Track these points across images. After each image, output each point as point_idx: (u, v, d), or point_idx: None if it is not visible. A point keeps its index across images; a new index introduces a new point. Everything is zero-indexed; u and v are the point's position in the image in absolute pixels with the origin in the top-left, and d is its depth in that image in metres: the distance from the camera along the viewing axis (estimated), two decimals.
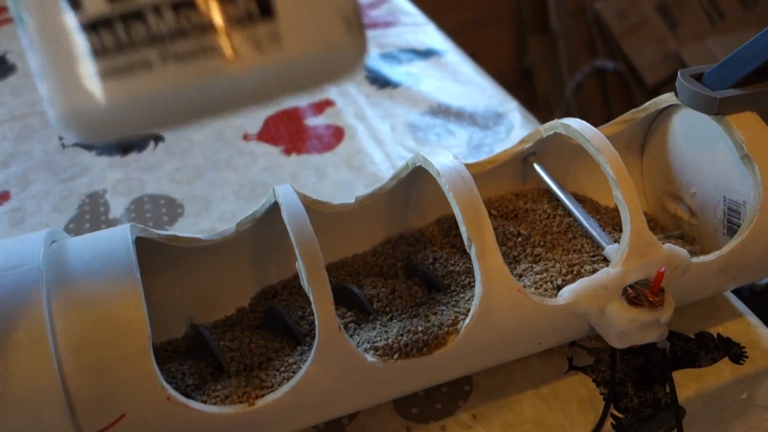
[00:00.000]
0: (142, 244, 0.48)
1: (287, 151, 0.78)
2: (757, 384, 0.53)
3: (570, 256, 0.50)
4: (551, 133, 0.52)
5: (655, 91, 2.00)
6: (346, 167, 0.75)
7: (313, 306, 0.40)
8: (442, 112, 0.83)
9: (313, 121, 0.83)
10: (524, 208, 0.55)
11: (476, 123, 0.80)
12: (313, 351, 0.40)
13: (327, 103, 0.85)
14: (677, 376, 0.51)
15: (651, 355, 0.52)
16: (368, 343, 0.45)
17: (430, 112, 0.83)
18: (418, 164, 0.49)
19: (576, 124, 0.49)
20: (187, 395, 0.44)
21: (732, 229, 0.52)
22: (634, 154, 0.60)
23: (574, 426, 0.49)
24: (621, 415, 0.49)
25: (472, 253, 0.43)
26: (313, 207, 0.52)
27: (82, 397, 0.37)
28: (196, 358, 0.50)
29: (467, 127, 0.80)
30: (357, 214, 0.54)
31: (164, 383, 0.38)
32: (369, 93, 0.87)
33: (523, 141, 0.55)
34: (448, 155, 0.47)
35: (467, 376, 0.51)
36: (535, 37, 2.07)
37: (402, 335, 0.44)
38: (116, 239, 0.42)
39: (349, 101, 0.85)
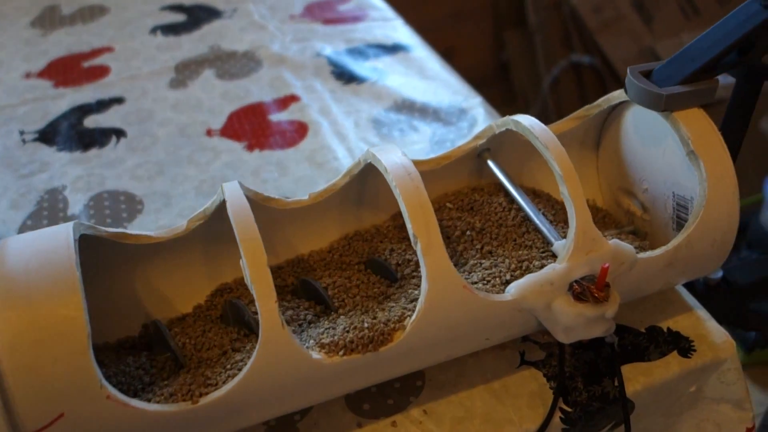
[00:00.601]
0: (92, 243, 0.47)
1: (250, 147, 0.78)
2: (706, 377, 0.54)
3: (520, 251, 0.50)
4: (503, 129, 0.53)
5: None
6: (308, 163, 0.75)
7: (256, 303, 0.40)
8: (407, 107, 0.83)
9: (277, 117, 0.82)
10: (480, 200, 0.56)
11: (440, 119, 0.80)
12: (256, 349, 0.40)
13: (292, 99, 0.85)
14: (626, 370, 0.52)
15: (601, 349, 0.53)
16: (315, 339, 0.45)
17: (394, 108, 0.83)
18: (369, 161, 0.49)
19: (525, 121, 0.49)
20: (139, 391, 0.44)
21: (681, 225, 0.52)
22: (590, 150, 0.61)
23: (524, 420, 0.49)
24: (569, 409, 0.50)
25: (418, 249, 0.43)
26: (265, 204, 0.52)
27: (20, 397, 0.37)
28: (155, 353, 0.49)
29: (431, 123, 0.80)
30: (311, 210, 0.54)
31: (104, 382, 0.38)
32: (334, 88, 0.86)
33: (476, 137, 0.55)
34: (397, 152, 0.47)
35: (420, 371, 0.52)
36: (512, 32, 2.07)
37: (348, 331, 0.44)
38: (58, 237, 0.42)
39: (314, 97, 0.85)
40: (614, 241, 0.46)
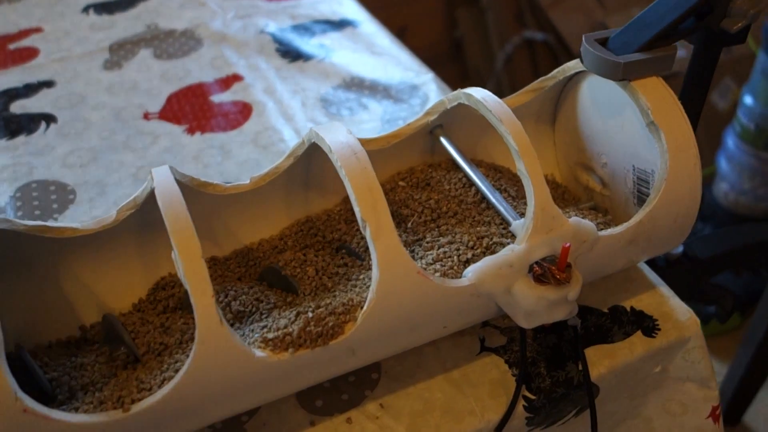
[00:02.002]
0: (11, 238, 0.43)
1: (190, 130, 0.73)
2: (671, 357, 0.52)
3: (479, 228, 0.47)
4: (455, 104, 0.50)
5: None
6: (253, 145, 0.71)
7: (191, 300, 0.37)
8: (356, 85, 0.79)
9: (219, 98, 0.78)
10: (437, 177, 0.53)
11: (390, 96, 0.77)
12: (192, 349, 0.37)
13: (234, 78, 0.81)
14: (590, 353, 0.50)
15: (564, 332, 0.50)
16: (260, 334, 0.41)
17: (343, 86, 0.79)
18: (313, 140, 0.46)
19: (478, 94, 0.46)
20: (75, 393, 0.40)
21: (642, 199, 0.50)
22: (546, 124, 0.58)
23: (486, 410, 0.47)
24: (533, 397, 0.47)
25: (367, 234, 0.40)
26: (202, 190, 0.48)
27: None
28: (110, 349, 0.46)
29: (381, 101, 0.76)
30: (253, 195, 0.50)
31: (19, 394, 0.34)
32: (279, 66, 0.82)
33: (427, 113, 0.52)
34: (342, 130, 0.44)
35: (375, 363, 0.49)
36: (464, 9, 2.05)
37: (294, 323, 0.41)
38: None
39: (258, 75, 0.81)
40: (575, 219, 0.44)
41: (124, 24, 0.91)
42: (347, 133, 0.43)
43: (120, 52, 0.85)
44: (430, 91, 0.77)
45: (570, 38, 1.99)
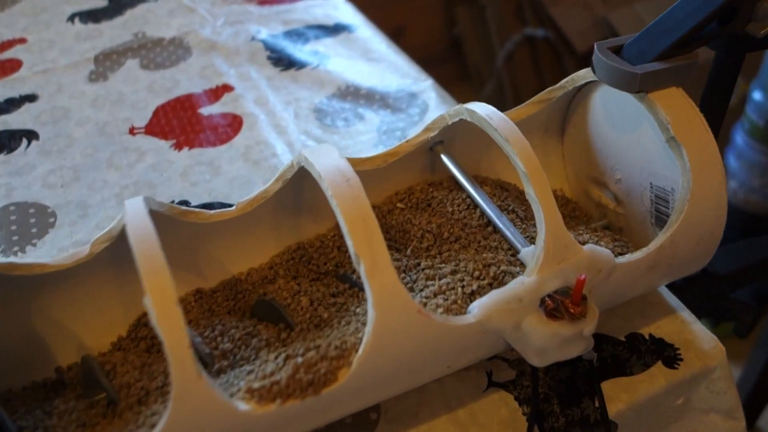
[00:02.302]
0: None
1: (178, 145, 0.70)
2: (694, 388, 0.48)
3: (485, 254, 0.44)
4: (457, 119, 0.46)
5: (586, 58, 1.96)
6: (243, 161, 0.67)
7: (164, 350, 0.33)
8: (351, 94, 0.75)
9: (209, 110, 0.74)
10: (438, 198, 0.49)
11: (388, 105, 0.73)
12: (168, 406, 0.33)
13: (224, 89, 0.77)
14: (607, 387, 0.46)
15: (578, 364, 0.47)
16: (245, 381, 0.38)
17: (338, 95, 0.75)
18: (302, 164, 0.42)
19: (481, 110, 0.42)
20: None
21: (660, 219, 0.46)
22: (554, 136, 0.54)
23: None
24: None
25: (361, 271, 0.36)
26: (183, 218, 0.44)
27: None
28: (87, 394, 0.42)
29: (378, 111, 0.73)
30: (240, 222, 0.46)
31: None
32: (271, 75, 0.78)
33: (427, 129, 0.48)
34: (333, 153, 0.40)
35: None
36: (463, 7, 2.00)
37: (282, 369, 0.37)
38: None
39: (249, 85, 0.77)
40: (589, 247, 0.40)
41: (111, 33, 0.87)
42: (338, 157, 0.39)
43: (106, 63, 0.82)
44: (429, 99, 0.73)
45: (571, 34, 1.95)
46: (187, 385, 0.33)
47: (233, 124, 0.72)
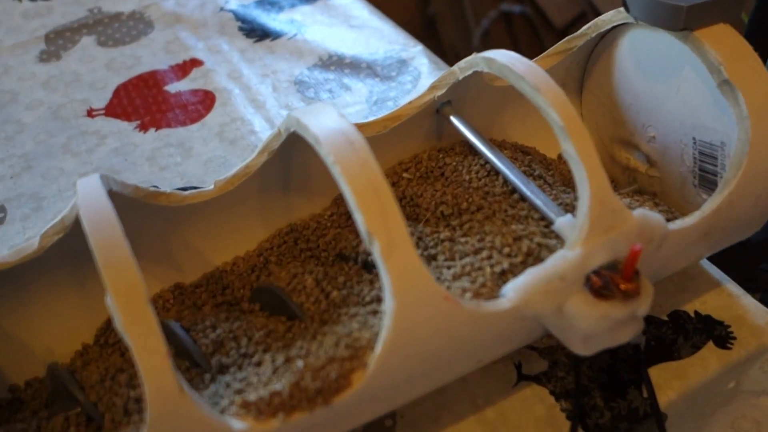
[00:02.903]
0: None
1: (143, 126, 0.62)
2: (747, 369, 0.43)
3: (514, 226, 0.37)
4: (469, 72, 0.39)
5: (565, 33, 1.91)
6: (218, 140, 0.60)
7: (134, 360, 0.26)
8: (335, 63, 0.68)
9: (176, 87, 0.66)
10: (452, 164, 0.42)
11: (376, 74, 0.66)
12: (145, 428, 0.26)
13: (193, 63, 0.69)
14: (655, 374, 0.40)
15: (619, 349, 0.41)
16: (239, 389, 0.31)
17: (320, 65, 0.68)
18: (292, 129, 0.35)
19: (502, 57, 0.36)
20: None
21: (706, 179, 0.41)
22: (572, 94, 0.48)
23: None
24: None
25: (375, 252, 0.29)
26: (152, 201, 0.37)
27: None
28: (55, 410, 0.35)
29: (366, 80, 0.66)
30: (221, 204, 0.40)
31: None
32: (244, 47, 0.71)
33: (433, 87, 0.42)
34: (331, 113, 0.33)
35: None
36: None
37: (283, 376, 0.30)
38: None
39: (221, 59, 0.69)
40: (641, 212, 0.34)
41: (62, 9, 0.79)
42: (338, 116, 0.33)
43: (58, 42, 0.73)
44: (421, 65, 0.67)
45: (549, 8, 1.90)
46: (167, 403, 0.26)
47: (205, 100, 0.65)
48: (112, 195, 0.33)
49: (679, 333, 0.42)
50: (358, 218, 0.29)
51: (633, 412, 0.38)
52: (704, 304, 0.43)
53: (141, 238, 0.38)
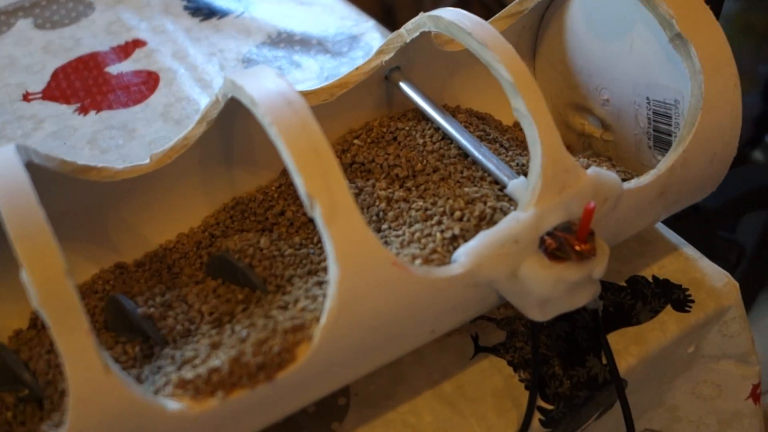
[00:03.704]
0: None
1: (83, 109, 0.59)
2: (706, 332, 0.42)
3: (467, 189, 0.35)
4: (417, 34, 0.38)
5: None
6: (162, 121, 0.57)
7: (54, 340, 0.24)
8: (284, 40, 0.66)
9: (118, 68, 0.64)
10: (404, 129, 0.40)
11: (327, 50, 0.64)
12: (68, 413, 0.24)
13: (135, 44, 0.66)
14: (613, 340, 0.39)
15: (576, 316, 0.40)
16: (175, 369, 0.29)
17: (269, 43, 0.66)
18: (230, 95, 0.33)
19: (449, 14, 0.34)
20: None
21: (661, 140, 0.40)
22: (525, 59, 0.46)
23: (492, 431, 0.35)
24: (550, 407, 0.37)
25: (317, 217, 0.27)
26: (83, 176, 0.35)
27: None
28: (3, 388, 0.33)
29: (317, 56, 0.64)
30: (159, 179, 0.37)
31: None
32: (190, 27, 0.68)
33: (380, 52, 0.40)
34: (269, 74, 0.31)
35: None
36: None
37: (223, 351, 0.28)
38: None
39: (165, 39, 0.67)
40: (594, 171, 0.33)
41: None
42: (277, 77, 0.31)
43: None
44: (373, 40, 0.65)
45: None
46: (90, 384, 0.24)
47: (148, 81, 0.62)
48: (35, 168, 0.31)
49: (638, 298, 0.41)
50: (298, 181, 0.28)
51: (592, 380, 0.37)
52: (662, 269, 0.42)
53: (73, 217, 0.36)
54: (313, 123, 0.28)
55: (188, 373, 0.28)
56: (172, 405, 0.26)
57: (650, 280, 0.42)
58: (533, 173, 0.32)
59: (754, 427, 0.46)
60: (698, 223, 0.55)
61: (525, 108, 0.31)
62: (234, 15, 0.70)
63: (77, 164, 0.34)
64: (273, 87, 0.30)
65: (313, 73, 0.62)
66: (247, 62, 0.64)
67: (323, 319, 0.28)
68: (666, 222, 0.46)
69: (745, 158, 1.10)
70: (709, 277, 0.42)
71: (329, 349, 0.29)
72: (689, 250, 0.43)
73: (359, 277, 0.28)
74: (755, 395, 0.45)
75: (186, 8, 0.71)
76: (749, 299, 0.89)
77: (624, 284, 0.42)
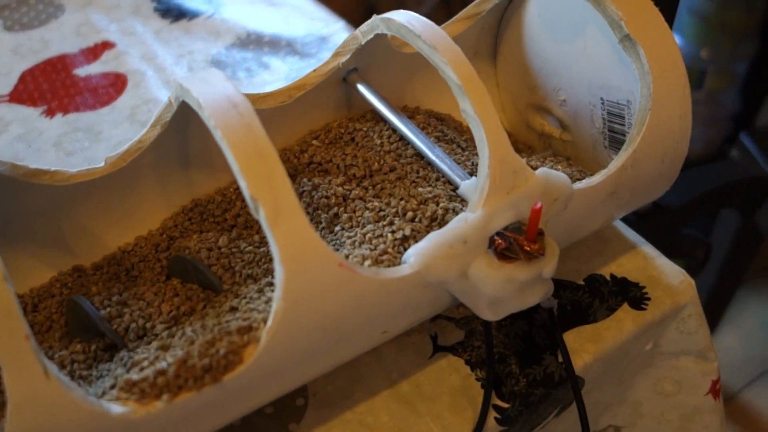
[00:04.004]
0: None
1: (50, 112, 0.59)
2: (663, 329, 0.43)
3: (420, 189, 0.36)
4: (371, 36, 0.38)
5: None
6: (129, 123, 0.57)
7: None
8: (253, 42, 0.66)
9: (86, 70, 0.63)
10: (362, 130, 0.41)
11: (296, 51, 0.65)
12: (6, 419, 0.24)
13: (104, 46, 0.66)
14: (570, 338, 0.39)
15: (534, 316, 0.40)
16: (123, 371, 0.29)
17: (238, 44, 0.66)
18: (182, 98, 0.33)
19: (400, 17, 0.35)
20: None
21: (616, 140, 0.40)
22: (486, 60, 0.47)
23: (448, 430, 0.36)
24: (506, 405, 0.37)
25: (261, 218, 0.28)
26: (34, 180, 0.35)
27: None
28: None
29: (285, 58, 0.64)
30: (114, 182, 0.37)
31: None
32: (159, 29, 0.68)
33: (337, 53, 0.40)
34: (218, 78, 0.31)
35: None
36: None
37: (169, 354, 0.28)
38: None
39: (134, 41, 0.67)
40: (543, 171, 0.33)
41: None
42: (223, 80, 0.31)
43: None
44: (342, 41, 0.65)
45: None
46: (29, 389, 0.24)
47: (116, 83, 0.62)
48: None
49: (595, 296, 0.41)
50: (242, 184, 0.28)
51: (548, 378, 0.38)
52: (620, 267, 0.43)
53: (27, 221, 0.36)
54: (258, 126, 0.29)
55: (134, 375, 0.28)
56: (116, 408, 0.26)
57: (608, 278, 0.42)
58: (481, 174, 0.32)
59: (714, 422, 0.47)
60: (662, 221, 0.56)
61: (472, 110, 0.31)
62: (204, 16, 0.70)
63: (29, 168, 0.34)
64: (219, 90, 0.30)
65: (282, 74, 0.62)
66: (216, 63, 0.64)
67: (270, 321, 0.28)
68: (629, 220, 0.47)
69: (723, 156, 1.11)
70: (666, 275, 0.42)
71: (277, 351, 0.29)
72: (647, 249, 0.44)
73: (305, 279, 0.28)
74: (714, 391, 0.46)
75: (156, 10, 0.71)
76: (726, 298, 0.90)
77: (582, 283, 0.42)
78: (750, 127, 1.10)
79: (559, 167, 0.39)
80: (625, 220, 0.48)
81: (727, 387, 1.11)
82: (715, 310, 0.93)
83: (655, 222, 0.55)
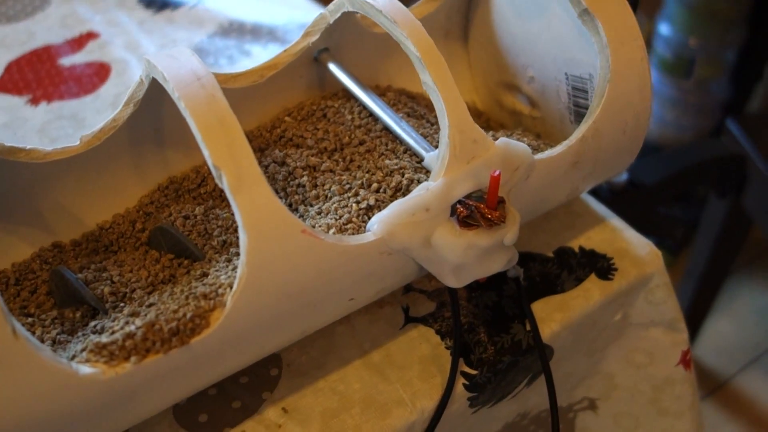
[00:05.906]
0: None
1: (34, 100, 0.60)
2: (632, 300, 0.44)
3: (387, 161, 0.37)
4: (339, 15, 0.39)
5: None
6: (112, 110, 0.58)
7: None
8: (235, 30, 0.67)
9: (71, 60, 0.64)
10: (334, 106, 0.42)
11: (277, 38, 0.65)
12: None
13: (89, 36, 0.67)
14: (538, 308, 0.40)
15: (504, 287, 0.41)
16: (95, 338, 0.30)
17: (220, 33, 0.67)
18: (152, 76, 0.34)
19: None
20: None
21: (580, 114, 0.41)
22: (457, 40, 0.48)
23: (417, 397, 0.37)
24: (474, 372, 0.38)
25: (224, 186, 0.29)
26: (9, 158, 0.35)
27: None
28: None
29: (267, 45, 0.65)
30: (90, 160, 0.38)
31: None
32: (143, 19, 0.69)
33: (307, 33, 0.41)
34: (184, 54, 0.32)
35: (274, 354, 0.38)
36: None
37: (138, 318, 0.29)
38: None
39: (118, 31, 0.67)
40: (503, 141, 0.34)
41: None
42: (190, 55, 0.32)
43: None
44: None
45: None
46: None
47: (100, 72, 0.63)
48: None
49: (564, 268, 0.42)
50: (206, 153, 0.29)
51: (516, 345, 0.39)
52: (589, 240, 0.44)
53: (5, 198, 0.37)
54: (221, 97, 0.29)
55: (104, 339, 0.29)
56: (85, 369, 0.27)
57: (576, 250, 0.43)
58: (442, 144, 0.33)
59: (686, 392, 0.48)
60: (637, 199, 0.57)
61: (432, 82, 0.32)
62: (188, 6, 0.70)
63: (4, 146, 0.35)
64: (184, 65, 0.31)
65: (263, 60, 0.63)
66: (198, 52, 0.64)
67: (235, 286, 0.29)
68: (604, 198, 0.48)
69: None
70: (633, 246, 0.43)
71: (242, 315, 0.30)
72: (616, 222, 0.45)
73: (268, 245, 0.29)
74: (685, 361, 0.47)
75: (140, 1, 0.72)
76: (716, 284, 0.91)
77: (551, 255, 0.43)
78: (738, 114, 1.10)
79: (525, 140, 0.39)
80: (600, 197, 0.49)
81: (720, 372, 1.12)
82: (706, 296, 0.94)
83: (631, 199, 0.56)
